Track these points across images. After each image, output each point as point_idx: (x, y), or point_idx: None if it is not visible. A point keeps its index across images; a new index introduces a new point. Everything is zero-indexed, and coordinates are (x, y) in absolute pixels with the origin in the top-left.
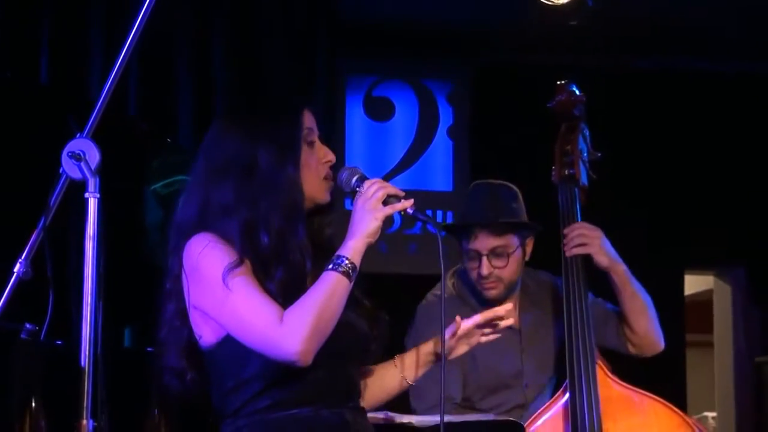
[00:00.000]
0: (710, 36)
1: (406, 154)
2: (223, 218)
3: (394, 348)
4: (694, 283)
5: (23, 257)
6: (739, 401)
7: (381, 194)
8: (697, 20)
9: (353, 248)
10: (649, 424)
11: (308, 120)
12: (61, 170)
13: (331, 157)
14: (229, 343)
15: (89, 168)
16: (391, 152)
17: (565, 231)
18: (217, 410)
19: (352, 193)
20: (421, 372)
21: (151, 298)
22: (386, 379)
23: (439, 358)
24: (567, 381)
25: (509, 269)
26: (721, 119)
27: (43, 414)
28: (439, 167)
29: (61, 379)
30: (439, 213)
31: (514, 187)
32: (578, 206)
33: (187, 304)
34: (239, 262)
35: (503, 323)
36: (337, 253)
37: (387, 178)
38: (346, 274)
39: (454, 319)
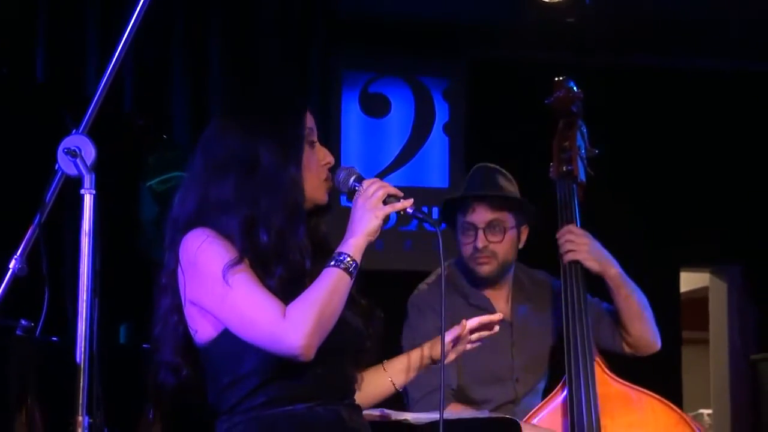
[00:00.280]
0: (707, 34)
1: (402, 151)
2: (223, 214)
3: (389, 345)
4: (689, 281)
5: (19, 254)
6: (735, 398)
7: (381, 193)
8: (693, 18)
9: (354, 245)
10: (647, 421)
11: (309, 120)
12: (56, 166)
13: (330, 159)
14: (225, 340)
15: (85, 164)
16: (387, 149)
17: (557, 236)
18: (213, 407)
19: (350, 193)
20: (410, 376)
21: (146, 294)
22: (375, 384)
23: (427, 364)
24: (565, 377)
25: (504, 246)
26: (718, 117)
27: (39, 411)
28: (435, 164)
29: (57, 375)
30: (435, 210)
31: (511, 176)
32: (576, 203)
33: (182, 300)
34: (240, 259)
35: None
36: (338, 249)
37: (383, 174)
38: (347, 270)
39: (451, 315)
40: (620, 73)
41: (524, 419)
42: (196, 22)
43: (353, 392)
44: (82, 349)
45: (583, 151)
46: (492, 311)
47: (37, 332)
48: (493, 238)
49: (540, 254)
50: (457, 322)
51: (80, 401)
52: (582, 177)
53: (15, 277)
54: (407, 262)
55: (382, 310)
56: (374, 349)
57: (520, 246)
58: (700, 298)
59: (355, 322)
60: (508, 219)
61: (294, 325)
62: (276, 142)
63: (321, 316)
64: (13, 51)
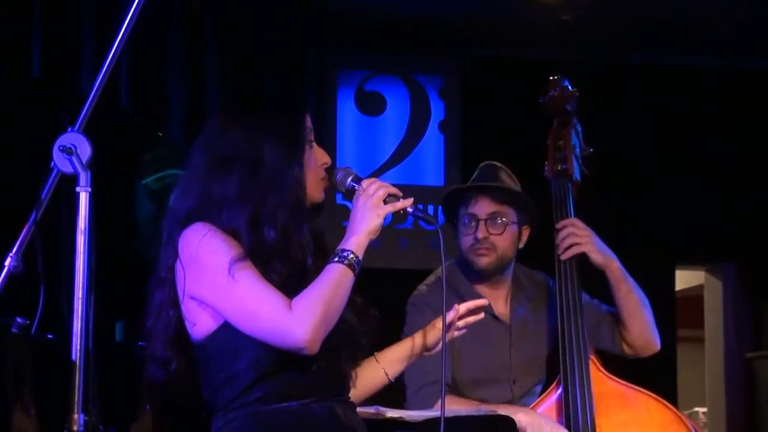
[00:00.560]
0: (702, 32)
1: (398, 149)
2: (227, 210)
3: (385, 343)
4: (685, 279)
5: (14, 251)
6: (730, 397)
7: (382, 192)
8: (687, 16)
9: (356, 243)
10: (642, 420)
11: (308, 121)
12: (52, 164)
13: (328, 159)
14: (221, 335)
15: (80, 162)
16: (383, 147)
17: (558, 226)
18: (208, 404)
19: (348, 193)
20: (403, 366)
21: (142, 292)
22: (369, 377)
23: (420, 353)
24: (560, 376)
25: (504, 240)
26: (713, 115)
27: (35, 408)
28: (430, 162)
29: (53, 373)
30: (431, 207)
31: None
32: (571, 201)
33: (180, 294)
34: (244, 254)
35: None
36: (341, 247)
37: (378, 172)
38: (351, 266)
39: (447, 309)
40: (617, 71)
41: None
42: (192, 20)
43: (348, 389)
44: (78, 347)
45: (578, 150)
46: (491, 313)
47: (33, 330)
48: (494, 230)
49: (536, 253)
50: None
51: (76, 399)
52: (577, 175)
53: (10, 275)
54: (403, 261)
55: (378, 307)
56: (369, 346)
57: (521, 246)
58: (695, 296)
59: (350, 319)
60: (510, 213)
61: (300, 318)
62: (280, 140)
63: (326, 310)
64: (9, 48)
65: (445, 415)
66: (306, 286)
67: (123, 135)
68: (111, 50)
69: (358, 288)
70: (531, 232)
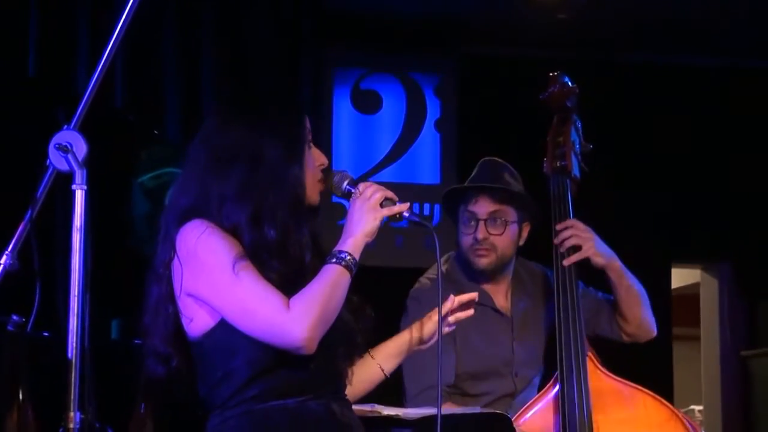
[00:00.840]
0: (700, 31)
1: (394, 147)
2: (227, 208)
3: (380, 341)
4: (681, 277)
5: (10, 249)
6: (726, 394)
7: (379, 196)
8: (686, 15)
9: (353, 245)
10: (639, 417)
11: (307, 122)
12: (48, 162)
13: (325, 160)
14: (220, 332)
15: (76, 160)
16: (379, 145)
17: (557, 228)
18: (205, 403)
19: (345, 195)
20: (399, 361)
21: (138, 290)
22: (365, 373)
23: (415, 347)
24: (557, 372)
25: (504, 240)
26: (711, 114)
27: (31, 406)
28: (426, 160)
29: (49, 371)
30: (427, 206)
31: (518, 174)
32: (570, 198)
33: (176, 290)
34: (242, 251)
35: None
36: (338, 248)
37: (374, 171)
38: (348, 268)
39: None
40: (614, 70)
41: (516, 415)
42: (188, 19)
43: (344, 387)
44: (74, 345)
45: (577, 147)
46: (492, 307)
47: (29, 328)
48: (494, 230)
49: (533, 249)
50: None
51: (72, 397)
52: (576, 172)
53: (6, 273)
54: (398, 259)
55: (373, 306)
56: (364, 344)
57: (521, 243)
58: (691, 294)
59: (347, 317)
60: (510, 213)
61: (298, 317)
62: (281, 139)
63: (324, 310)
64: (5, 47)
65: (442, 413)
66: (304, 285)
67: (119, 133)
68: (106, 48)
69: (353, 286)
70: (531, 228)
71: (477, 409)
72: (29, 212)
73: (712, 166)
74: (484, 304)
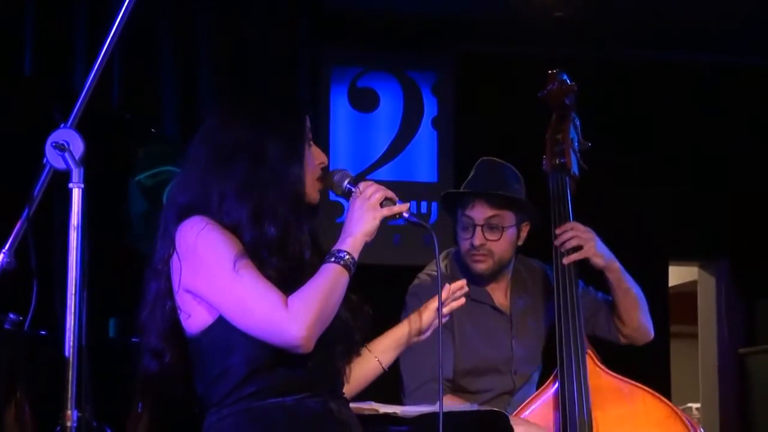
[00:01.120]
0: (698, 28)
1: (391, 145)
2: (228, 204)
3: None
4: (678, 275)
5: (7, 248)
6: (723, 392)
7: (380, 196)
8: (683, 12)
9: (352, 244)
10: (639, 414)
11: (308, 120)
12: (44, 160)
13: (325, 159)
14: (218, 329)
15: (73, 158)
16: (376, 143)
17: (557, 231)
18: (202, 400)
19: (345, 194)
20: (396, 354)
21: (135, 289)
22: (363, 368)
23: (412, 339)
24: (557, 370)
25: (501, 245)
26: (707, 111)
27: (28, 404)
28: (423, 158)
29: (46, 369)
30: (424, 204)
31: (519, 173)
32: (569, 195)
33: (175, 286)
34: (242, 249)
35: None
36: (337, 247)
37: (371, 169)
38: (347, 267)
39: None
40: (611, 67)
41: (515, 412)
42: (185, 18)
43: (342, 385)
44: (71, 343)
45: (576, 144)
46: (491, 305)
47: (26, 326)
48: (491, 236)
49: (532, 246)
50: (456, 316)
51: (69, 395)
52: (575, 170)
53: (3, 271)
54: (396, 256)
55: (370, 303)
56: (362, 342)
57: (520, 243)
58: (688, 292)
59: (345, 315)
60: (508, 217)
61: (296, 315)
62: (282, 137)
63: (322, 309)
64: (1, 45)
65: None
66: (302, 282)
67: (116, 131)
68: (103, 47)
69: (352, 284)
70: (531, 227)
71: (475, 407)
72: (26, 211)
73: (710, 164)
74: (483, 301)
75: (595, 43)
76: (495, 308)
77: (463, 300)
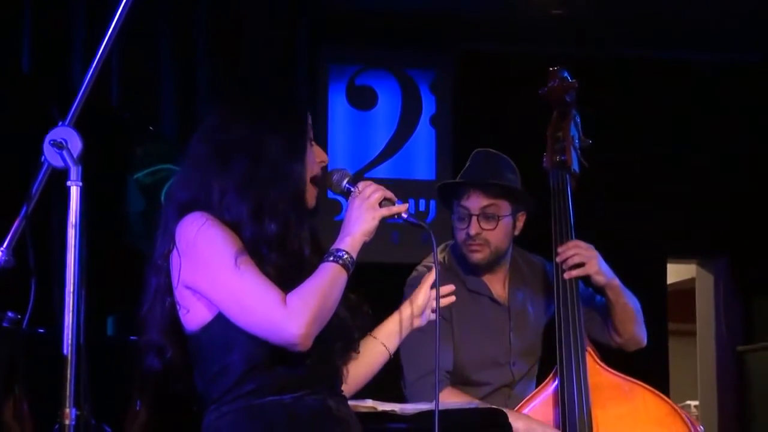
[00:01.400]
0: (696, 26)
1: (389, 143)
2: (228, 201)
3: None
4: (676, 272)
5: (5, 246)
6: (721, 390)
7: (378, 195)
8: (681, 10)
9: (351, 244)
10: (639, 412)
11: (309, 119)
12: (43, 158)
13: (325, 157)
14: (217, 326)
15: (71, 156)
16: (374, 141)
17: (559, 249)
18: (201, 398)
19: (344, 193)
20: (398, 339)
21: (134, 287)
22: (369, 354)
23: (411, 323)
24: (556, 367)
25: (497, 234)
26: (706, 109)
27: (26, 403)
28: (422, 156)
29: (44, 367)
30: (422, 202)
31: (514, 163)
32: (569, 193)
33: (174, 282)
34: (242, 246)
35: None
36: (335, 246)
37: (370, 167)
38: (345, 266)
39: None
40: (609, 65)
41: (516, 408)
42: (183, 16)
43: (341, 383)
44: (69, 341)
45: (576, 141)
46: (489, 296)
47: (24, 324)
48: (487, 225)
49: (529, 243)
50: (455, 308)
51: (67, 393)
52: (575, 167)
53: (1, 269)
54: (394, 254)
55: (369, 301)
56: (359, 340)
57: (516, 233)
58: (687, 289)
59: (343, 314)
60: (504, 207)
61: (295, 313)
62: (283, 134)
63: (321, 307)
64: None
65: (439, 408)
66: (302, 280)
67: (114, 130)
68: (102, 44)
69: (350, 282)
70: (527, 217)
71: (474, 405)
72: (24, 209)
73: (708, 161)
74: (481, 293)
75: (594, 41)
76: (493, 300)
77: (453, 297)
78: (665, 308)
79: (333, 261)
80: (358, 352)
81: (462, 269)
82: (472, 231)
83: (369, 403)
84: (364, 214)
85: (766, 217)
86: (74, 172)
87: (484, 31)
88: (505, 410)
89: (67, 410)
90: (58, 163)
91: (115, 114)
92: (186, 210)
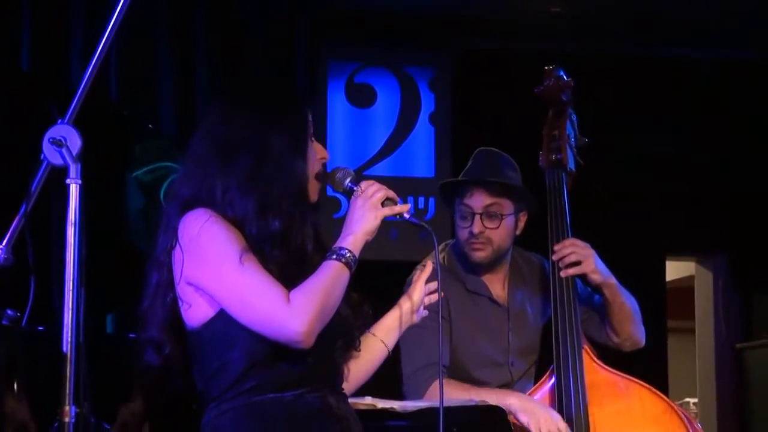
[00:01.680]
0: (695, 23)
1: (388, 141)
2: (232, 198)
3: None
4: (675, 270)
5: (4, 243)
6: (720, 387)
7: (381, 195)
8: (678, 6)
9: (353, 242)
10: (635, 409)
11: (309, 115)
12: (42, 156)
13: (326, 155)
14: (219, 322)
15: (70, 154)
16: (373, 139)
17: (556, 248)
18: (201, 395)
19: (347, 192)
20: (396, 335)
21: (133, 284)
22: (369, 351)
23: (409, 319)
24: (553, 365)
25: (500, 233)
26: (705, 106)
27: (26, 400)
28: (420, 154)
29: (44, 365)
30: (421, 199)
31: (515, 162)
32: (565, 191)
33: (176, 278)
34: (244, 242)
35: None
36: (338, 244)
37: (369, 164)
38: (347, 264)
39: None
40: (608, 63)
41: None
42: (182, 13)
43: (341, 381)
44: (69, 339)
45: (572, 140)
46: (488, 297)
47: (24, 322)
48: (490, 224)
49: (527, 242)
50: (454, 308)
51: (67, 391)
52: (571, 166)
53: (1, 267)
54: (394, 252)
55: (368, 298)
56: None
57: (518, 232)
58: (685, 287)
59: (345, 312)
60: (506, 205)
61: (297, 311)
62: (286, 130)
63: (323, 305)
64: None
65: (438, 406)
66: (304, 277)
67: (113, 127)
68: (101, 42)
69: (350, 280)
70: (528, 217)
71: (473, 402)
72: (24, 206)
73: (707, 159)
74: (480, 293)
75: (592, 38)
76: (493, 300)
77: (438, 294)
78: (664, 306)
79: (336, 259)
80: (359, 351)
81: (462, 269)
82: (476, 229)
83: (368, 401)
84: (367, 213)
85: (765, 214)
86: (73, 169)
87: (483, 29)
88: (498, 390)
89: (67, 408)
90: (57, 160)
91: (115, 112)
92: (188, 206)
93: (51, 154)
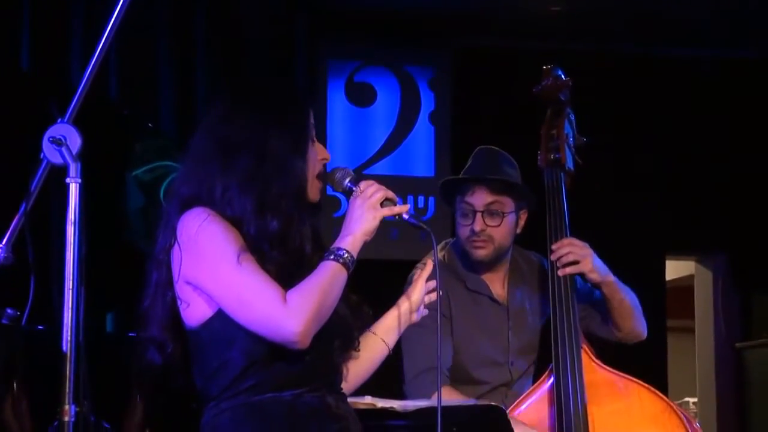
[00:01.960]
0: (694, 22)
1: (388, 140)
2: (231, 197)
3: None
4: (675, 269)
5: (4, 243)
6: (720, 386)
7: (380, 195)
8: (678, 6)
9: (352, 243)
10: (634, 409)
11: (311, 115)
12: (42, 155)
13: (327, 155)
14: (217, 322)
15: (70, 153)
16: (373, 138)
17: (554, 247)
18: (201, 394)
19: (346, 192)
20: (396, 334)
21: (133, 283)
22: (369, 350)
23: (409, 318)
24: (552, 365)
25: (501, 231)
26: (705, 105)
27: (26, 399)
28: (420, 153)
29: (43, 364)
30: (421, 199)
31: (515, 161)
32: (564, 191)
33: (175, 277)
34: (243, 242)
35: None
36: (336, 245)
37: (368, 164)
38: (345, 265)
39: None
40: (607, 62)
41: (511, 407)
42: (182, 12)
43: (340, 380)
44: (69, 338)
45: (571, 139)
46: (489, 296)
47: (23, 321)
48: (491, 222)
49: (526, 241)
50: (454, 307)
51: (67, 390)
52: (570, 165)
53: (1, 266)
54: (394, 251)
55: (367, 297)
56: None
57: (518, 231)
58: (685, 286)
59: (343, 311)
60: (507, 203)
61: (294, 311)
62: (287, 130)
63: (320, 305)
64: None
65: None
66: (302, 277)
67: (113, 126)
68: (100, 41)
69: (349, 280)
70: (528, 215)
71: (473, 402)
72: (23, 205)
73: (707, 158)
74: (480, 292)
75: (591, 36)
76: (493, 299)
77: (437, 293)
78: (664, 305)
79: (333, 260)
80: (359, 351)
81: (462, 267)
82: (477, 227)
83: (368, 400)
84: (366, 213)
85: (765, 213)
86: (73, 169)
87: (482, 27)
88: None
89: (67, 407)
90: (57, 160)
91: (114, 111)
92: (188, 205)
93: (51, 153)
